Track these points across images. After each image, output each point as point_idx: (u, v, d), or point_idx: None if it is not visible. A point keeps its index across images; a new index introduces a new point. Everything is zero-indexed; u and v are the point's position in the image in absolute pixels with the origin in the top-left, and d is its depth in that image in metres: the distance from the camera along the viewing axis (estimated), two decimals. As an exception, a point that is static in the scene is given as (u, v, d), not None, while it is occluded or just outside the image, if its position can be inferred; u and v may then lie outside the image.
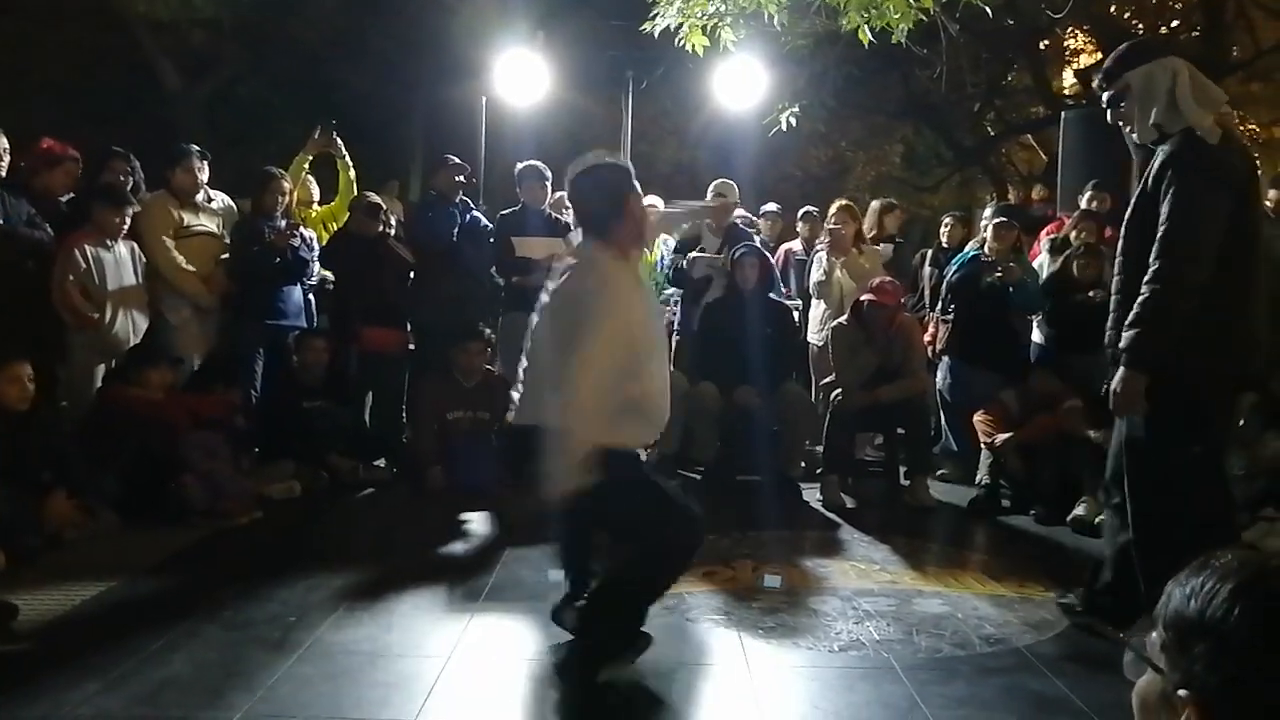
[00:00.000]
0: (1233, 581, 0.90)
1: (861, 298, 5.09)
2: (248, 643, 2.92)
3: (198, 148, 5.31)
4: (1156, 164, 2.74)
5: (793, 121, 6.91)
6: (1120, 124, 2.91)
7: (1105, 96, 2.91)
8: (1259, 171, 2.93)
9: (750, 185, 9.23)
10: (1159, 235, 2.67)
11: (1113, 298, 2.88)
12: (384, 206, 5.79)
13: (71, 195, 4.97)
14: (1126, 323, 2.73)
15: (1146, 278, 2.68)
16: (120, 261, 4.80)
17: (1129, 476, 2.86)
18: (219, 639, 2.96)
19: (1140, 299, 2.69)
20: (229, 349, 5.28)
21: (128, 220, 4.81)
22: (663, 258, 6.64)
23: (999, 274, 5.28)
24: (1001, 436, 4.91)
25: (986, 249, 5.45)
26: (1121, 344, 2.73)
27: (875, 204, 6.57)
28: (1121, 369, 2.75)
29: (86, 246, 4.66)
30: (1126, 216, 2.88)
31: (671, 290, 6.42)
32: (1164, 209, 2.67)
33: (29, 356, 4.04)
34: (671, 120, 12.99)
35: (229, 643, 2.92)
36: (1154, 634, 0.98)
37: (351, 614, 3.17)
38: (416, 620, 3.12)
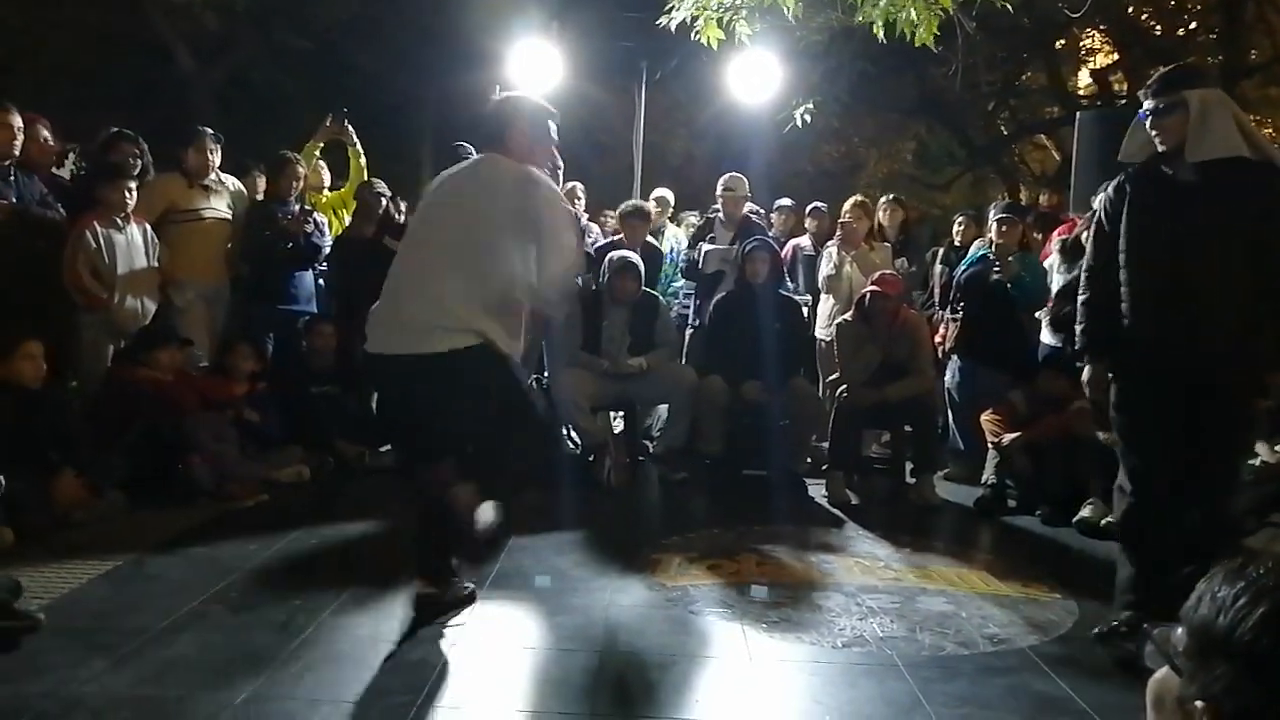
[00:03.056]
0: (1266, 604, 0.86)
1: (864, 290, 5.10)
2: (253, 625, 2.93)
3: (211, 130, 5.32)
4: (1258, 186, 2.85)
5: (808, 119, 6.88)
6: (1155, 133, 2.98)
7: (1154, 103, 2.97)
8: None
9: (762, 180, 9.18)
10: None
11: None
12: (386, 196, 5.80)
13: (82, 173, 4.97)
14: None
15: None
16: (132, 243, 4.81)
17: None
18: (225, 621, 2.97)
19: None
20: (240, 332, 5.29)
21: (130, 194, 4.80)
22: (674, 250, 6.64)
23: (997, 269, 5.29)
24: (1009, 436, 4.90)
25: (993, 247, 5.45)
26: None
27: (881, 201, 6.54)
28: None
29: (98, 227, 4.67)
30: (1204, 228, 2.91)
31: (682, 283, 6.41)
32: None
33: (41, 335, 4.07)
34: (684, 112, 12.94)
35: (235, 625, 2.94)
36: (1179, 631, 0.95)
37: (356, 599, 3.18)
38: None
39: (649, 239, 6.05)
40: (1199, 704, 0.89)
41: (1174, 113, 2.93)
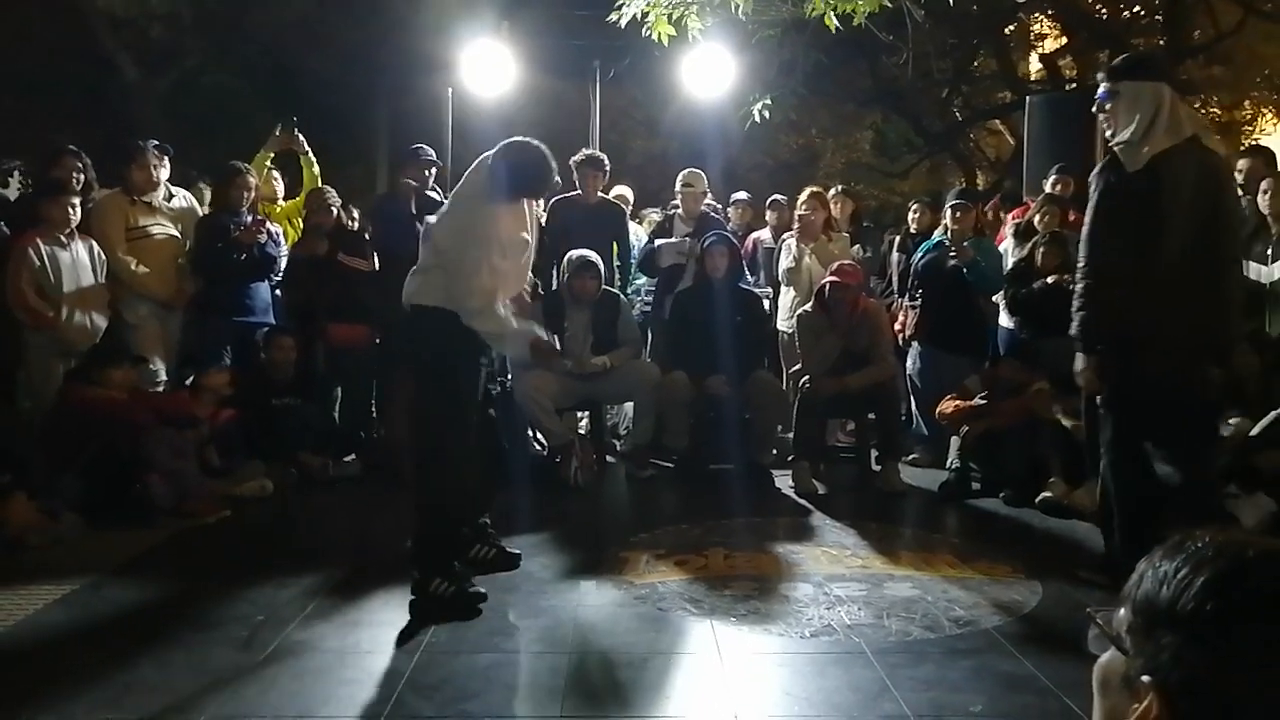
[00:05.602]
0: (1207, 572, 0.86)
1: (824, 281, 5.13)
2: (215, 643, 2.89)
3: (157, 142, 5.22)
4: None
5: (766, 114, 6.90)
6: (1101, 115, 3.30)
7: (1101, 89, 3.29)
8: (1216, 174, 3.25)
9: (721, 174, 9.20)
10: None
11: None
12: (336, 204, 5.74)
13: (28, 190, 4.87)
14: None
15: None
16: (78, 260, 4.72)
17: None
18: (186, 640, 2.92)
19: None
20: (196, 347, 5.20)
21: (73, 211, 4.71)
22: (633, 247, 6.62)
23: (953, 255, 5.35)
24: (966, 429, 4.93)
25: (949, 234, 5.51)
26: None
27: (830, 193, 6.58)
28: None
29: (41, 244, 4.58)
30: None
31: (643, 280, 6.40)
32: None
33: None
34: (642, 110, 12.94)
35: (196, 643, 2.89)
36: (1122, 611, 0.95)
37: (320, 612, 3.15)
38: (385, 617, 3.09)
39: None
40: (1145, 680, 0.89)
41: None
